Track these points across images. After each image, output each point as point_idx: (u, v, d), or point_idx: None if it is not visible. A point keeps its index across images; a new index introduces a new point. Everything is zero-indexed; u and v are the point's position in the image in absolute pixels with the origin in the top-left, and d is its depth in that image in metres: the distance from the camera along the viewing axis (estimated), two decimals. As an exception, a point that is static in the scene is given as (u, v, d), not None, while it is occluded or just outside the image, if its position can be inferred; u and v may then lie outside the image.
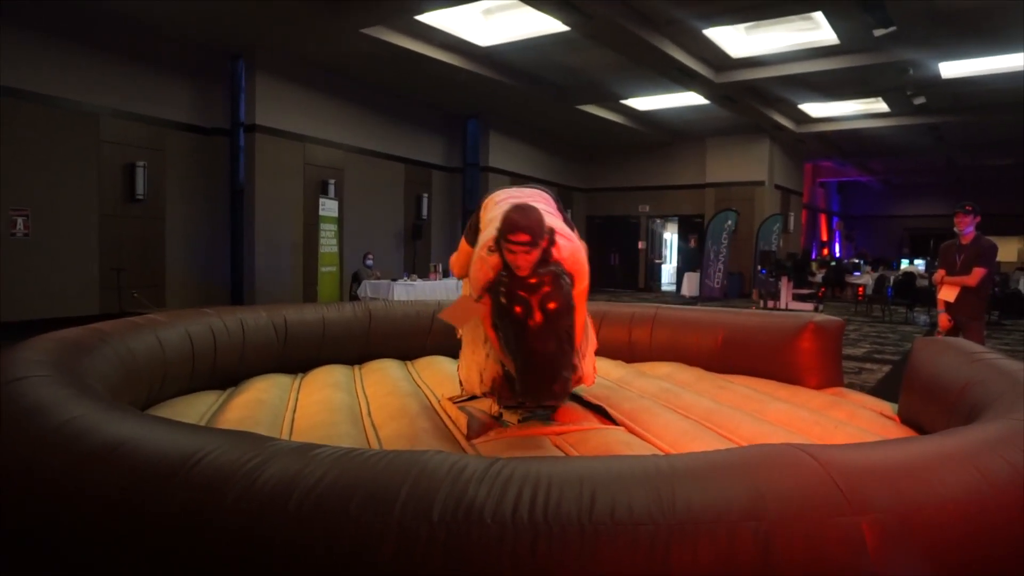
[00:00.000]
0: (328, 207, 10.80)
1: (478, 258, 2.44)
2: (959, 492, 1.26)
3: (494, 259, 2.40)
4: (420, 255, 13.29)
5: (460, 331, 3.52)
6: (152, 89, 9.45)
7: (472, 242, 2.85)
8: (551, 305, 2.33)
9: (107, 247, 8.99)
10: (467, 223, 2.92)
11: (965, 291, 5.14)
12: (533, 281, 2.33)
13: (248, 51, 10.00)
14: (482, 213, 2.80)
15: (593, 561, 1.01)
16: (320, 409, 3.28)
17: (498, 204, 2.73)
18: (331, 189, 11.28)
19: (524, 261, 2.33)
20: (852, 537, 1.08)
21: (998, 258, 5.88)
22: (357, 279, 10.71)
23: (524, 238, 2.30)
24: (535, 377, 2.39)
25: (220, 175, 10.30)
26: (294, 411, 3.34)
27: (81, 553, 1.24)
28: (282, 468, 1.18)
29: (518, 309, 2.30)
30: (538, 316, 2.31)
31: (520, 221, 2.33)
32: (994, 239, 5.34)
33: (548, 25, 8.94)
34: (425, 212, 13.51)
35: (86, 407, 1.56)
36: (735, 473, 1.16)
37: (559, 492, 1.09)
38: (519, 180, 15.47)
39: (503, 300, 2.33)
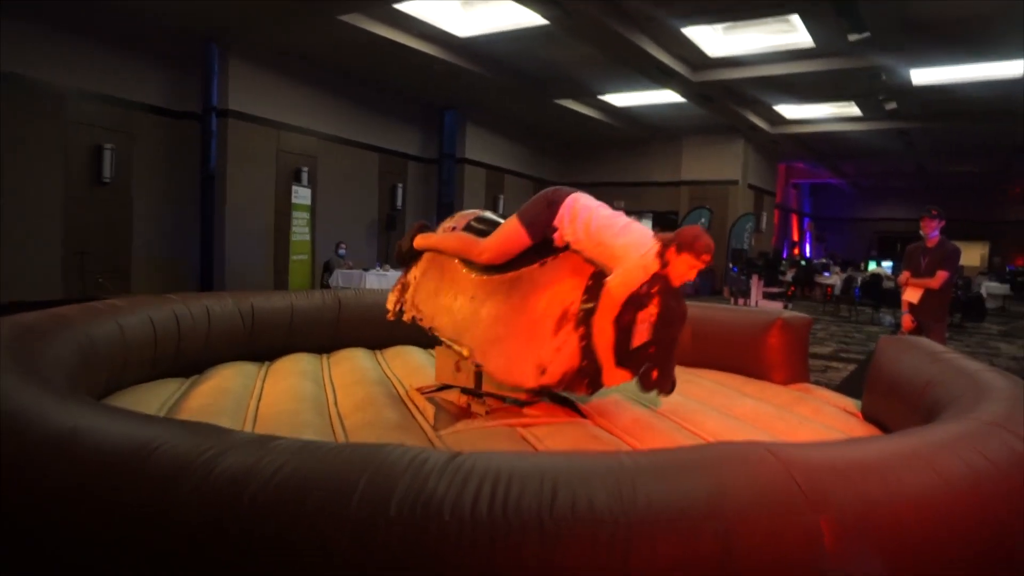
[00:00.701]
0: (301, 195, 10.67)
1: (640, 266, 2.70)
2: (916, 491, 1.28)
3: (655, 267, 2.72)
4: (393, 245, 13.17)
5: (429, 326, 3.47)
6: (121, 70, 9.21)
7: (536, 237, 2.92)
8: (683, 310, 2.86)
9: (71, 231, 8.77)
10: (535, 217, 2.93)
11: (928, 293, 5.25)
12: (680, 290, 2.83)
13: (222, 35, 9.80)
14: (564, 211, 2.87)
15: (553, 557, 1.00)
16: (285, 398, 3.24)
17: (588, 209, 2.89)
18: (304, 177, 11.13)
19: (694, 276, 2.81)
20: (810, 535, 1.09)
21: (961, 262, 6.02)
22: (329, 268, 10.61)
23: (710, 259, 2.80)
24: (668, 370, 2.79)
25: (191, 160, 10.10)
26: (259, 400, 3.30)
27: (30, 544, 1.21)
28: (239, 459, 1.15)
29: (665, 313, 2.73)
30: (679, 320, 2.82)
31: (711, 244, 2.79)
32: (959, 244, 5.46)
33: (527, 18, 8.90)
34: (400, 202, 13.40)
35: (35, 395, 1.50)
36: (697, 471, 1.16)
37: (520, 487, 1.08)
38: (495, 172, 15.45)
39: (664, 305, 2.73)
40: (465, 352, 3.02)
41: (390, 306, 3.55)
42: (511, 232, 2.96)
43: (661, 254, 2.72)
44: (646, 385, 2.76)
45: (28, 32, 8.14)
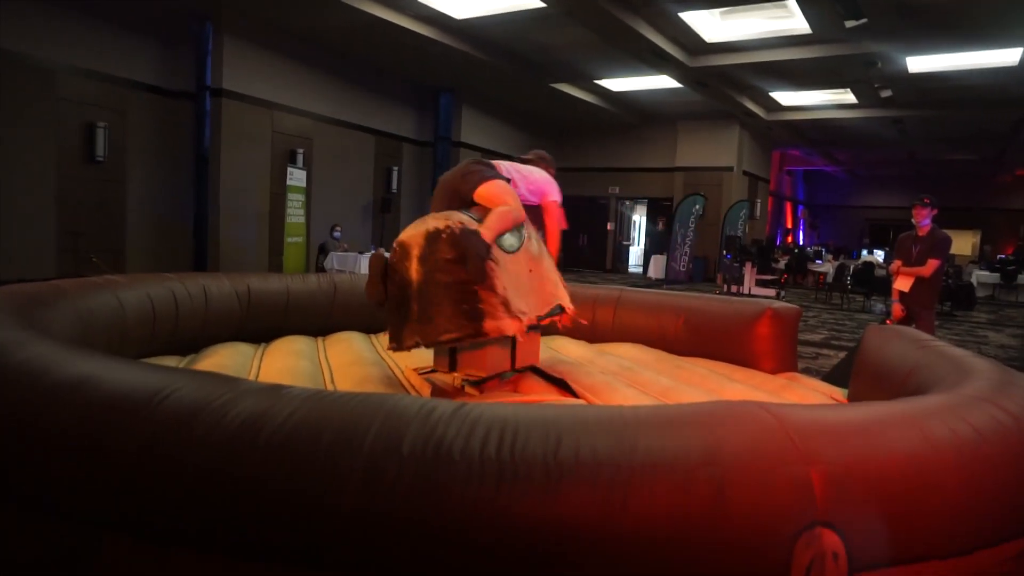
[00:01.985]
0: (296, 176, 10.64)
1: None
2: (903, 450, 1.33)
3: None
4: (388, 228, 13.20)
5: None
6: (115, 46, 9.14)
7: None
8: None
9: (65, 209, 8.73)
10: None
11: (919, 281, 5.30)
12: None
13: (217, 13, 9.73)
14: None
15: (556, 499, 1.05)
16: (283, 376, 3.27)
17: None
18: (299, 158, 11.10)
19: None
20: (801, 484, 1.14)
21: (953, 251, 6.09)
22: (324, 251, 10.62)
23: None
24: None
25: (184, 140, 10.05)
26: (256, 378, 3.33)
27: (43, 487, 1.25)
28: (251, 405, 1.19)
29: None
30: None
31: None
32: (950, 232, 5.52)
33: (524, 0, 8.88)
34: (395, 185, 13.39)
35: (47, 346, 1.53)
36: (696, 423, 1.21)
37: (526, 434, 1.13)
38: (490, 156, 15.40)
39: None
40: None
41: None
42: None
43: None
44: None
45: (20, 7, 8.06)
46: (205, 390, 1.24)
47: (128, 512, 1.14)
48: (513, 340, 3.13)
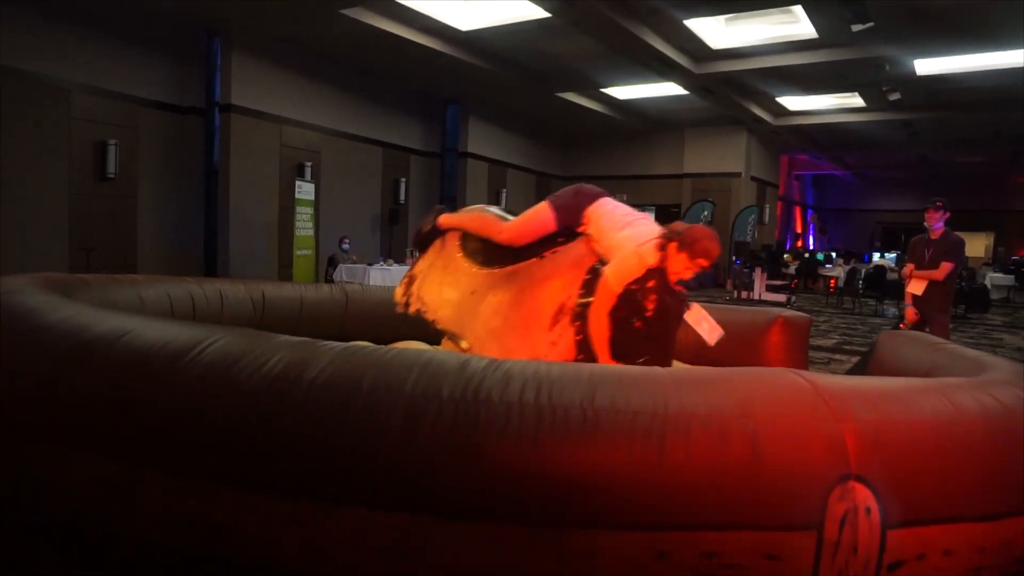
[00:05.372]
0: (304, 190, 10.70)
1: (636, 255, 2.68)
2: (932, 416, 1.34)
3: (652, 260, 2.69)
4: (397, 240, 13.23)
5: (432, 318, 3.30)
6: (125, 65, 9.25)
7: (561, 223, 2.97)
8: (679, 306, 2.84)
9: (77, 226, 8.81)
10: (565, 203, 3.00)
11: (932, 285, 5.23)
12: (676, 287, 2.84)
13: (225, 29, 9.84)
14: (596, 206, 2.94)
15: (592, 443, 1.05)
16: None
17: (611, 206, 2.98)
18: (307, 171, 11.17)
19: (690, 276, 2.78)
20: (834, 439, 1.14)
21: (966, 253, 6.02)
22: (332, 263, 10.64)
23: (707, 264, 2.74)
24: (664, 366, 2.82)
25: (194, 155, 10.14)
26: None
27: (86, 434, 1.29)
28: (291, 354, 1.23)
29: (660, 308, 2.71)
30: (675, 316, 2.84)
31: (713, 250, 2.73)
32: (963, 235, 5.48)
33: (529, 11, 8.93)
34: (403, 197, 13.44)
35: (83, 307, 1.57)
36: (730, 384, 1.22)
37: (561, 385, 1.14)
38: (498, 166, 15.50)
39: (660, 300, 2.70)
40: (464, 345, 3.03)
41: (398, 298, 3.49)
42: (538, 214, 3.01)
43: (661, 247, 2.69)
44: None
45: (31, 27, 8.18)
46: (243, 343, 1.28)
47: (169, 452, 1.18)
48: None
